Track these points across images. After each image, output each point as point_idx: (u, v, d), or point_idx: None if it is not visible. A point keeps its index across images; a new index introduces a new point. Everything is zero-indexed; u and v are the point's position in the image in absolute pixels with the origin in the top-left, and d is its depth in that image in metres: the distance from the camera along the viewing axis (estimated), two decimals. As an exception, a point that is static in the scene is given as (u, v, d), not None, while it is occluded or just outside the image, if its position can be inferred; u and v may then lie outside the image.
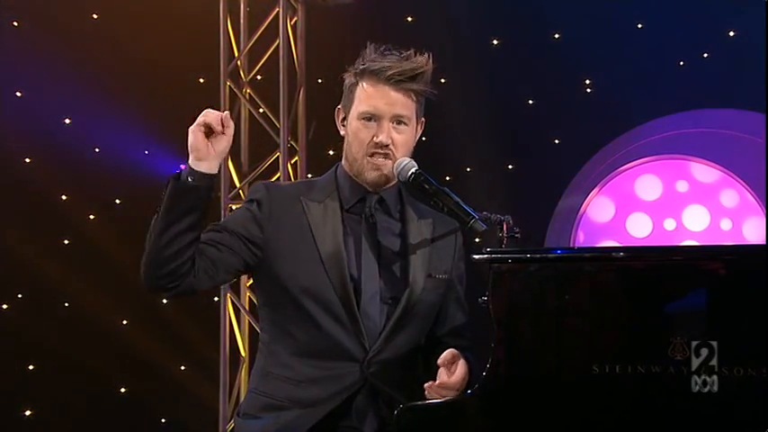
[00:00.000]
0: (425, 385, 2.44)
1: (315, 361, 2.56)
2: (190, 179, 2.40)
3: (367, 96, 2.59)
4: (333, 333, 2.55)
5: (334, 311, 2.55)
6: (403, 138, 2.60)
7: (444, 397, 2.39)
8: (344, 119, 2.67)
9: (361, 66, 2.61)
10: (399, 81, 2.56)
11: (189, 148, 2.41)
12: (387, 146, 2.58)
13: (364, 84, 2.60)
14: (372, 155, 2.59)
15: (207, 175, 2.42)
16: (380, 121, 2.58)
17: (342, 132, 2.69)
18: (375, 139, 2.57)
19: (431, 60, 2.60)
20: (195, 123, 2.41)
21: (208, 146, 2.42)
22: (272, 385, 2.60)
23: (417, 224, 2.68)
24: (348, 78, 2.65)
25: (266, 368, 2.64)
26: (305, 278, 2.55)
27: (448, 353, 2.45)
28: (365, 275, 2.58)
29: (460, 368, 2.44)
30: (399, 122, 2.59)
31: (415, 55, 2.60)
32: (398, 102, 2.57)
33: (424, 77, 2.60)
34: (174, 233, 2.39)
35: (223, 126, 2.43)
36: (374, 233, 2.63)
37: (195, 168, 2.41)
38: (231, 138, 2.45)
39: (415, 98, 2.61)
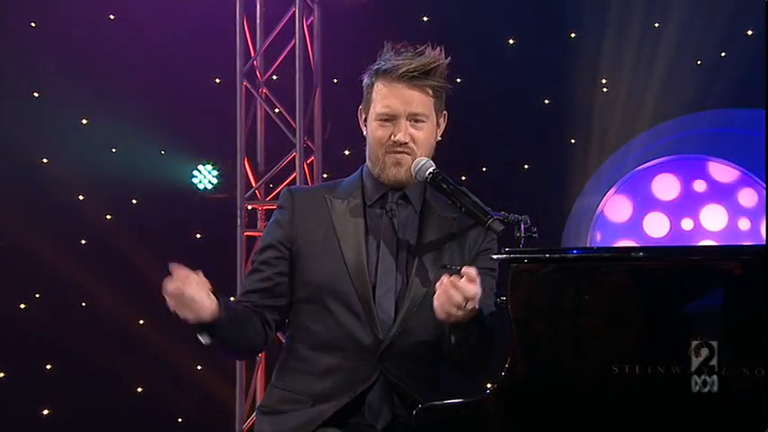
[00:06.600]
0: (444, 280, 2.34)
1: (331, 353, 2.58)
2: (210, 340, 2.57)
3: (382, 97, 2.59)
4: (348, 325, 2.56)
5: (350, 304, 2.57)
6: (422, 134, 2.60)
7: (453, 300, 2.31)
8: (366, 119, 2.68)
9: (375, 66, 2.62)
10: (413, 78, 2.56)
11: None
12: (405, 143, 2.58)
13: (379, 84, 2.61)
14: (392, 152, 2.59)
15: (212, 324, 2.52)
16: (397, 121, 2.58)
17: (365, 133, 2.70)
18: (393, 137, 2.58)
19: (443, 54, 2.59)
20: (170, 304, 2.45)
21: (194, 305, 2.48)
22: (290, 379, 2.63)
23: (437, 218, 2.66)
24: (365, 79, 2.66)
25: (285, 362, 2.68)
26: (325, 273, 2.58)
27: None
28: (382, 269, 2.60)
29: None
30: (417, 120, 2.59)
31: (429, 50, 2.60)
32: (414, 99, 2.57)
33: (438, 71, 2.59)
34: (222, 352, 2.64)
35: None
36: (394, 228, 2.64)
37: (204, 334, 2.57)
38: (195, 284, 2.46)
39: (431, 93, 2.60)
